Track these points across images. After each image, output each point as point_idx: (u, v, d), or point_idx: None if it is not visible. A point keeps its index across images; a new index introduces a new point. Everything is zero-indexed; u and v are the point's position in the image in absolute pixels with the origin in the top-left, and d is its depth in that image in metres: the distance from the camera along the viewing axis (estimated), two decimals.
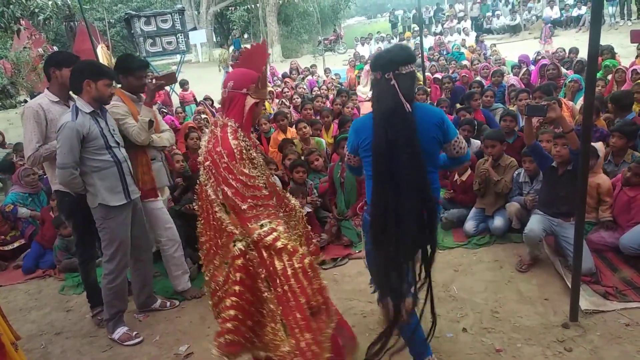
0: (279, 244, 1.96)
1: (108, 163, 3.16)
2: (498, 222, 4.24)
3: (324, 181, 5.14)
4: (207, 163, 2.10)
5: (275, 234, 1.98)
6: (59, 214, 4.19)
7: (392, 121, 2.20)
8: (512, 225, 4.20)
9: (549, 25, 15.88)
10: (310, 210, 4.58)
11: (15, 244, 5.15)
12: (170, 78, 3.88)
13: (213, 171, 2.07)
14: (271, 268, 1.98)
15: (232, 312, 2.05)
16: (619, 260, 3.63)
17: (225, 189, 2.03)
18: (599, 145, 4.07)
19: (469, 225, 4.38)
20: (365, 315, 3.35)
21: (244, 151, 2.09)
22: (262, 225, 2.00)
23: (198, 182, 2.30)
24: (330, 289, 3.81)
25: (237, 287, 2.05)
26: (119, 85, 3.58)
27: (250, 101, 2.21)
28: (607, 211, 3.91)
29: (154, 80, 3.57)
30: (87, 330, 3.63)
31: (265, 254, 1.99)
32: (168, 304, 3.79)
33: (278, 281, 1.97)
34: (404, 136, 2.19)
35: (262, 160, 2.29)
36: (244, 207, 2.01)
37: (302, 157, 5.38)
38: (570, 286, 3.14)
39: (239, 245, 2.06)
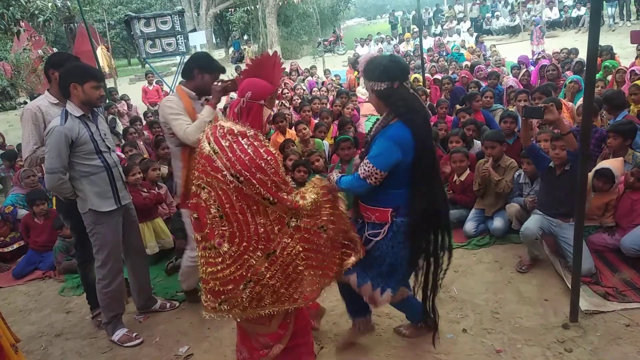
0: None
1: (98, 168, 3.12)
2: (498, 223, 4.24)
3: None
4: (252, 170, 2.24)
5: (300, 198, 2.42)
6: (59, 215, 4.18)
7: (427, 127, 2.50)
8: (512, 226, 4.20)
9: (540, 26, 15.93)
10: None
11: (15, 246, 5.13)
12: (234, 85, 3.40)
13: (258, 176, 2.24)
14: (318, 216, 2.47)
15: (305, 271, 2.43)
16: (619, 261, 3.63)
17: (274, 189, 2.29)
18: (616, 168, 3.85)
19: (469, 226, 4.38)
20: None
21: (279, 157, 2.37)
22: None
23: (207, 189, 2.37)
24: (329, 290, 3.82)
25: (301, 258, 2.40)
26: (182, 81, 3.42)
27: (267, 112, 2.44)
28: (610, 217, 3.90)
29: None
30: (87, 331, 3.63)
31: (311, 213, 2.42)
32: (168, 305, 3.78)
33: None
34: (431, 139, 2.52)
35: None
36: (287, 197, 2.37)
37: (303, 158, 5.37)
38: (570, 287, 3.14)
39: (293, 223, 2.37)
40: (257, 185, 2.24)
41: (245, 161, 2.24)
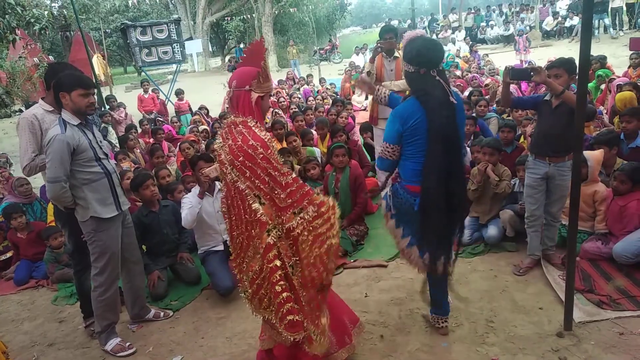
0: (304, 234, 2.25)
1: (98, 175, 3.12)
2: (492, 230, 4.25)
3: (319, 190, 5.14)
4: (240, 159, 2.22)
5: (303, 224, 2.25)
6: (55, 223, 4.14)
7: (443, 112, 2.52)
8: (507, 234, 4.21)
9: (525, 36, 16.10)
10: None
11: (8, 254, 5.08)
12: None
13: (248, 164, 2.21)
14: (301, 255, 2.28)
15: (285, 294, 2.25)
16: (612, 269, 3.63)
17: (266, 178, 2.22)
18: (593, 157, 4.01)
19: (463, 234, 4.38)
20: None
21: (270, 142, 2.28)
22: (294, 213, 2.25)
23: (222, 182, 2.44)
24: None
25: (279, 272, 2.25)
26: None
27: (254, 96, 2.36)
28: (602, 223, 3.91)
29: None
30: (79, 341, 3.60)
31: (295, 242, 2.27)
32: (162, 314, 3.76)
33: (302, 266, 2.28)
34: (450, 126, 2.54)
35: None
36: (283, 195, 2.24)
37: (298, 165, 5.39)
38: (562, 298, 3.14)
39: (273, 234, 2.23)
40: (247, 174, 2.22)
41: (234, 149, 2.24)
